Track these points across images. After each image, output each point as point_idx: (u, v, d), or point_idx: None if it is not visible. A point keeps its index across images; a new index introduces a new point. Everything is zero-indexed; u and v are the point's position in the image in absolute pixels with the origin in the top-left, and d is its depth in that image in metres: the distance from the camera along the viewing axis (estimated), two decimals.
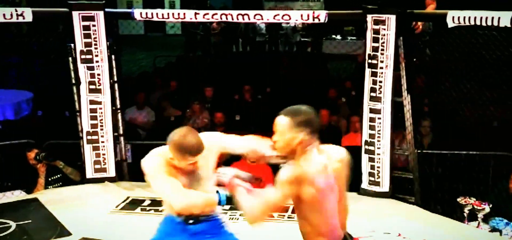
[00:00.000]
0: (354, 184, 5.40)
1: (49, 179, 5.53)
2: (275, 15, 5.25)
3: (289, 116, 2.61)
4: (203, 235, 3.21)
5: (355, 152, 5.51)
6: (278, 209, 2.80)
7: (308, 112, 2.62)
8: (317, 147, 2.63)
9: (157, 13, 5.49)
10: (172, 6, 23.51)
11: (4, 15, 5.12)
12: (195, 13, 5.36)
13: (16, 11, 5.15)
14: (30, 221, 4.78)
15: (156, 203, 5.18)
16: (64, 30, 6.03)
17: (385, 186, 5.32)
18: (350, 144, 6.34)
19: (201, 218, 3.18)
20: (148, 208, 5.10)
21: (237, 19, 5.27)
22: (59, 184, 5.54)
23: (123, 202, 5.23)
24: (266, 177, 5.73)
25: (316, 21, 5.19)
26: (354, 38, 16.86)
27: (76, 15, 5.38)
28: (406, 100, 5.14)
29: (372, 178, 5.36)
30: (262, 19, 5.23)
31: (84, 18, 5.40)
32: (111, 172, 5.70)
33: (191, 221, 3.17)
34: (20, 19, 5.18)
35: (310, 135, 2.59)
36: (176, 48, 16.20)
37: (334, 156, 2.69)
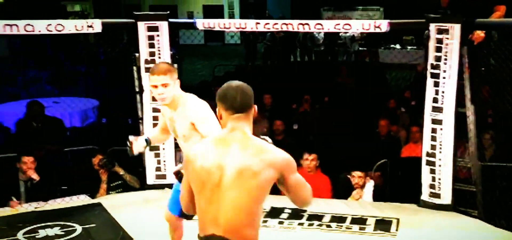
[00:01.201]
0: (413, 196, 5.27)
1: (111, 185, 5.62)
2: (336, 25, 5.18)
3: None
4: None
5: (415, 163, 5.39)
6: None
7: (224, 88, 2.44)
8: (230, 128, 2.39)
9: (219, 23, 5.51)
10: (231, 16, 23.73)
11: (75, 26, 5.24)
12: (256, 23, 5.35)
13: (86, 22, 5.28)
14: (94, 225, 4.87)
15: None
16: (128, 40, 6.13)
17: (446, 198, 5.15)
18: (410, 154, 6.18)
19: None
20: None
21: (298, 28, 5.22)
22: (120, 190, 5.62)
23: None
24: (324, 187, 5.65)
25: (377, 30, 5.09)
26: (414, 47, 16.54)
27: (141, 25, 5.47)
28: (470, 111, 4.96)
29: (432, 190, 5.19)
30: (322, 28, 5.17)
31: (149, 29, 5.48)
32: (171, 179, 5.73)
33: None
34: (90, 30, 5.30)
35: (226, 111, 2.40)
36: (235, 57, 16.31)
37: (241, 144, 2.35)
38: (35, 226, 4.77)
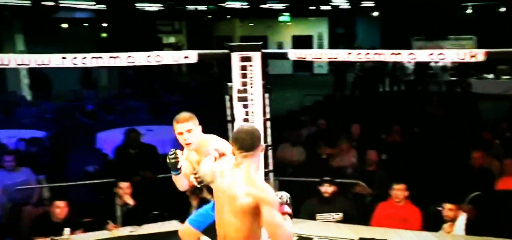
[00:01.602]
0: (509, 230, 5.02)
1: None
2: (429, 54, 5.06)
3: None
4: None
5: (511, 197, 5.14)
6: None
7: (237, 130, 3.04)
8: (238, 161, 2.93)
9: (311, 53, 5.53)
10: (320, 46, 23.75)
11: (173, 57, 5.45)
12: (348, 53, 5.34)
13: (183, 54, 5.47)
14: None
15: None
16: (220, 70, 6.30)
17: None
18: (506, 187, 5.91)
19: None
20: None
21: (390, 58, 5.15)
22: None
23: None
24: (414, 219, 5.50)
25: (473, 60, 4.92)
26: (508, 77, 15.85)
27: (235, 56, 5.58)
28: None
29: None
30: (415, 58, 5.08)
31: (242, 59, 5.59)
32: None
33: None
34: (186, 61, 5.48)
35: (237, 150, 2.93)
36: (323, 87, 16.28)
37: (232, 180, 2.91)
38: None
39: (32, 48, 16.45)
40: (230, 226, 2.85)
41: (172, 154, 3.58)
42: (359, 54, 5.30)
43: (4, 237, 5.40)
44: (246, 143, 2.93)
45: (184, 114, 3.72)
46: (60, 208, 5.31)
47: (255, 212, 2.79)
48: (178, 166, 3.58)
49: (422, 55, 5.12)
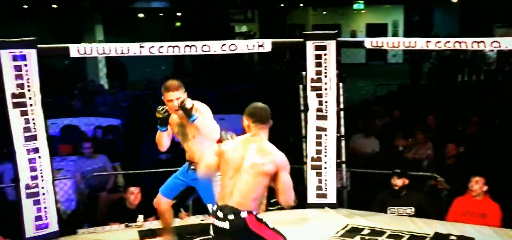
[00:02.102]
0: None
1: (271, 201, 5.68)
2: None
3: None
4: (196, 181, 4.21)
5: None
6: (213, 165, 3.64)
7: (252, 106, 3.57)
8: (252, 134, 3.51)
9: (387, 42, 5.38)
10: (395, 35, 23.21)
11: (247, 46, 5.43)
12: (427, 41, 5.14)
13: (257, 42, 5.43)
14: None
15: (375, 233, 5.03)
16: (291, 59, 6.22)
17: None
18: None
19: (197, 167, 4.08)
20: (367, 237, 4.97)
21: (472, 46, 4.92)
22: (279, 207, 5.66)
23: (342, 229, 5.17)
24: (493, 214, 5.24)
25: None
26: None
27: (309, 44, 5.50)
28: None
29: None
30: (499, 46, 4.81)
31: (317, 48, 5.50)
32: (332, 198, 5.69)
33: (192, 168, 4.24)
34: (260, 50, 5.45)
35: (253, 123, 3.51)
36: (398, 77, 15.90)
37: (256, 147, 3.46)
38: (201, 238, 4.94)
39: (110, 38, 16.99)
40: (246, 185, 3.41)
41: (163, 110, 4.01)
42: (438, 42, 5.09)
43: (81, 222, 5.56)
44: (262, 117, 3.54)
45: (174, 82, 4.12)
46: (134, 195, 5.42)
47: (272, 175, 3.45)
48: (167, 122, 4.03)
49: (507, 43, 4.84)
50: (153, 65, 16.04)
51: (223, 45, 5.31)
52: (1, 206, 5.90)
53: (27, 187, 4.88)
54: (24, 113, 4.81)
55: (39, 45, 4.86)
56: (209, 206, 4.09)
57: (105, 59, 14.02)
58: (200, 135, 4.15)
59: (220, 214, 3.43)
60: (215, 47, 5.29)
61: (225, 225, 3.43)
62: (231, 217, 3.40)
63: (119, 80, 15.05)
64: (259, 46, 5.41)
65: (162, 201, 4.50)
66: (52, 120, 7.52)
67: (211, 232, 3.52)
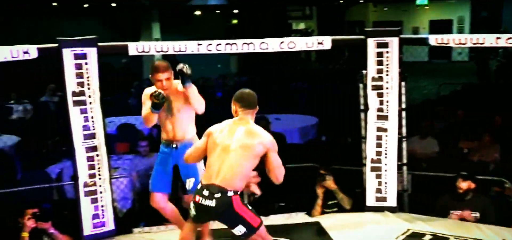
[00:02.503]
0: None
1: (327, 203, 5.64)
2: None
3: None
4: (178, 159, 4.39)
5: None
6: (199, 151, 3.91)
7: (240, 92, 3.90)
8: (239, 118, 3.83)
9: (453, 39, 5.26)
10: (460, 31, 22.63)
11: (306, 43, 5.38)
12: (497, 38, 4.99)
13: (317, 39, 5.40)
14: None
15: (437, 239, 4.92)
16: (350, 57, 6.15)
17: None
18: None
19: (178, 144, 4.42)
20: None
21: None
22: (335, 209, 5.61)
23: (403, 234, 5.08)
24: None
25: None
26: None
27: (371, 42, 5.42)
28: None
29: None
30: None
31: (379, 45, 5.42)
32: (392, 202, 5.60)
33: (174, 146, 4.44)
34: (320, 47, 5.41)
35: (241, 108, 3.84)
36: (463, 75, 15.50)
37: (245, 129, 3.76)
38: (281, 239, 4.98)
39: (166, 36, 17.29)
40: (235, 165, 3.66)
41: (161, 95, 4.20)
42: (510, 38, 4.92)
43: (137, 221, 5.67)
44: (249, 102, 3.85)
45: (163, 63, 4.41)
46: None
47: (261, 156, 3.73)
48: (162, 106, 4.26)
49: None
50: (208, 64, 16.24)
51: (282, 42, 5.30)
52: (60, 203, 6.09)
53: (85, 185, 5.02)
54: (83, 111, 4.93)
55: (99, 43, 4.98)
56: (189, 182, 4.43)
57: (161, 57, 14.28)
58: (185, 109, 4.41)
59: (205, 192, 3.64)
60: (273, 44, 5.29)
61: (211, 203, 3.63)
62: (217, 195, 3.62)
63: (175, 79, 15.31)
64: (319, 43, 5.37)
65: (158, 199, 4.53)
66: (109, 118, 7.73)
67: (193, 210, 3.74)
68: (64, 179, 6.47)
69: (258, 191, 5.58)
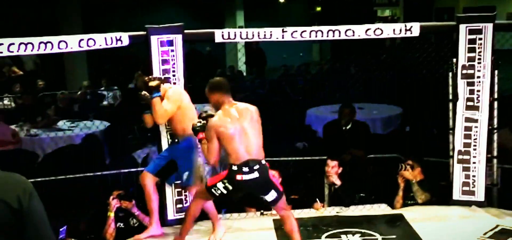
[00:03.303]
0: None
1: (408, 195, 5.53)
2: None
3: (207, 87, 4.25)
4: (177, 153, 4.77)
5: None
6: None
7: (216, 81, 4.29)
8: (228, 102, 4.15)
9: None
10: None
11: (393, 30, 5.25)
12: None
13: (405, 26, 5.27)
14: (394, 236, 4.88)
15: None
16: (437, 44, 5.97)
17: None
18: None
19: (180, 139, 4.75)
20: None
21: None
22: (414, 202, 5.50)
23: (491, 230, 4.91)
24: None
25: None
26: None
27: (463, 28, 5.25)
28: None
29: None
30: None
31: (471, 31, 5.24)
32: (480, 196, 5.42)
33: (176, 140, 4.79)
34: (408, 34, 5.27)
35: (224, 94, 4.16)
36: None
37: (241, 107, 4.16)
38: (337, 230, 4.98)
39: (249, 23, 17.43)
40: (255, 138, 4.10)
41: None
42: None
43: (219, 207, 5.77)
44: (226, 85, 4.23)
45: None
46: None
47: None
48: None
49: None
50: (290, 52, 16.24)
51: (368, 29, 5.22)
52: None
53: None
54: None
55: (185, 31, 5.10)
56: (186, 175, 4.75)
57: (244, 45, 14.41)
58: (182, 109, 4.69)
59: (245, 169, 4.02)
60: (359, 31, 5.22)
61: (254, 175, 4.05)
62: (256, 167, 4.04)
63: (257, 67, 15.39)
64: (406, 30, 5.23)
65: (147, 176, 4.84)
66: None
67: (227, 188, 4.09)
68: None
69: (338, 182, 5.59)
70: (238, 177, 4.04)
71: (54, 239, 1.96)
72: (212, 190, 4.18)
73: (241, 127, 4.07)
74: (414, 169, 5.47)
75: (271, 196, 4.16)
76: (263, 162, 4.12)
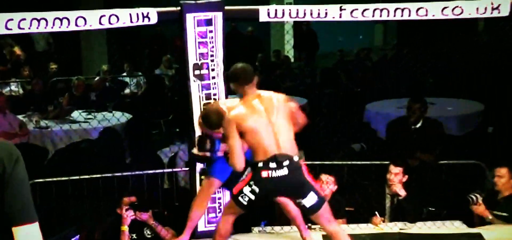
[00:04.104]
0: None
1: (494, 211, 5.42)
2: None
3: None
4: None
5: None
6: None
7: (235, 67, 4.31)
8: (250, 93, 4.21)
9: None
10: None
11: (477, 9, 5.05)
12: None
13: (491, 3, 5.00)
14: None
15: None
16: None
17: None
18: None
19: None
20: None
21: None
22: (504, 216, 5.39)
23: None
24: None
25: None
26: None
27: None
28: None
29: None
30: None
31: None
32: None
33: None
34: (494, 14, 5.02)
35: (239, 86, 4.24)
36: None
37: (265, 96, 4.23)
38: None
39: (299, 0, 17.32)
40: (285, 130, 4.15)
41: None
42: None
43: (257, 219, 5.76)
44: (251, 74, 4.27)
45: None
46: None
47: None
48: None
49: None
50: (348, 34, 16.13)
51: (445, 7, 5.07)
52: (171, 193, 6.34)
53: (203, 173, 5.15)
54: (205, 87, 5.03)
55: (226, 7, 5.04)
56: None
57: (293, 26, 14.35)
58: None
59: (272, 165, 4.04)
60: (434, 10, 5.06)
61: (283, 172, 4.06)
62: (286, 163, 4.05)
63: (307, 52, 15.33)
64: (493, 9, 5.06)
65: (213, 184, 4.80)
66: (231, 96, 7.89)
67: (261, 192, 4.08)
68: (178, 164, 6.72)
69: (403, 192, 5.51)
70: (264, 173, 4.05)
71: (32, 212, 2.20)
72: (239, 198, 4.16)
73: (266, 118, 4.12)
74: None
75: (310, 200, 4.13)
76: (296, 159, 4.12)
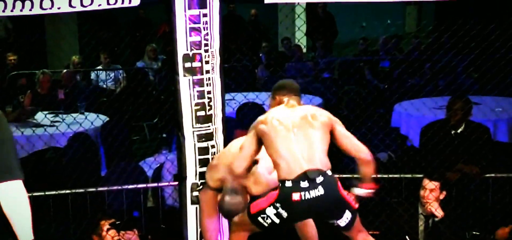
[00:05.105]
0: None
1: None
2: None
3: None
4: None
5: None
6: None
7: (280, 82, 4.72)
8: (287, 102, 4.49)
9: None
10: None
11: None
12: None
13: None
14: None
15: None
16: None
17: None
18: None
19: None
20: None
21: None
22: None
23: None
24: None
25: None
26: None
27: None
28: None
29: None
30: None
31: None
32: None
33: None
34: None
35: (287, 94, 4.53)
36: None
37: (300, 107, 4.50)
38: None
39: None
40: (319, 141, 4.26)
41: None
42: None
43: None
44: (293, 89, 4.58)
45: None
46: None
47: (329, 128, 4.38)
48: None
49: None
50: (373, 19, 16.13)
51: None
52: (156, 212, 6.35)
53: (194, 188, 5.15)
54: (197, 83, 5.02)
55: None
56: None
57: (305, 9, 14.37)
58: None
59: (304, 183, 4.07)
60: None
61: (318, 191, 4.09)
62: (319, 179, 4.10)
63: (324, 40, 15.33)
64: None
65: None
66: (228, 95, 7.90)
67: (290, 217, 4.16)
68: (164, 177, 6.73)
69: (440, 212, 5.53)
70: (295, 196, 4.04)
71: (14, 171, 2.77)
72: (258, 219, 4.19)
73: (296, 129, 4.25)
74: None
75: (345, 219, 4.20)
76: (329, 173, 4.18)
